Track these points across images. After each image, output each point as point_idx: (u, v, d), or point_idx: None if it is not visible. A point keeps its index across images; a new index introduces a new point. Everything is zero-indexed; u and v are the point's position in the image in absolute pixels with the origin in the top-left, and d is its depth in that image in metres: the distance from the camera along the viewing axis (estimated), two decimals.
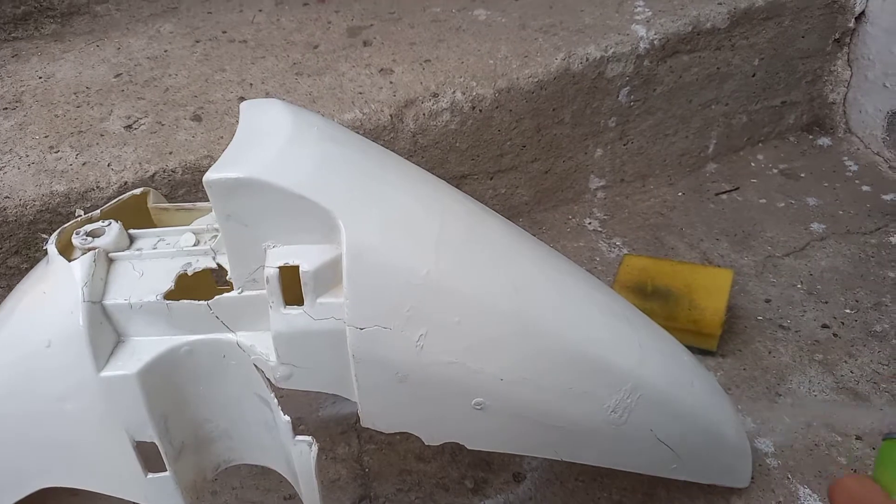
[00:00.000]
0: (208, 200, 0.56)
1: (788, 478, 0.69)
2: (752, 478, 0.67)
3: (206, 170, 0.77)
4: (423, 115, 0.86)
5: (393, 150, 0.59)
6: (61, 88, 0.87)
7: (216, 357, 0.49)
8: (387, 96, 0.86)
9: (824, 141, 1.14)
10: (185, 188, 0.77)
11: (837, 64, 1.11)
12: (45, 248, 0.49)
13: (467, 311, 0.48)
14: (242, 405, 0.52)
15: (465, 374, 0.48)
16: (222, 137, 0.80)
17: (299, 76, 0.90)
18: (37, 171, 0.74)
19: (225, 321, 0.48)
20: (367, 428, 0.64)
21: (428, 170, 0.57)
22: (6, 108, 0.84)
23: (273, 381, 0.49)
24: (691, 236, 0.98)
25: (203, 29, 1.00)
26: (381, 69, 0.90)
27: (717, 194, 1.05)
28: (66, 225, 0.50)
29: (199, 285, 0.52)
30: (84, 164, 0.75)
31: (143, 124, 0.81)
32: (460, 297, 0.48)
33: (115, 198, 0.55)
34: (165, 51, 0.95)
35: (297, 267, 0.44)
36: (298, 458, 0.50)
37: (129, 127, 0.81)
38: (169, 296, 0.47)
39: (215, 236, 0.50)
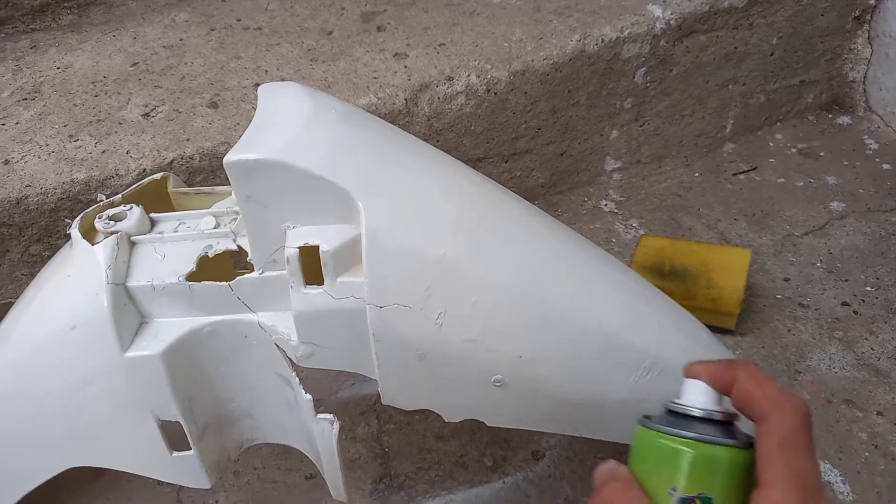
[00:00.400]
0: (226, 185, 0.57)
1: None
2: None
3: (224, 156, 0.78)
4: (438, 98, 0.86)
5: None
6: (79, 78, 0.88)
7: (238, 337, 0.50)
8: (401, 81, 0.86)
9: (844, 119, 1.13)
10: (203, 174, 0.78)
11: (857, 42, 1.09)
12: (68, 232, 0.50)
13: (485, 289, 0.48)
14: (264, 385, 0.52)
15: (484, 351, 0.49)
16: (239, 124, 0.80)
17: (314, 62, 0.90)
18: (57, 159, 0.75)
19: (246, 302, 0.48)
20: (387, 407, 0.65)
21: None
22: (26, 99, 0.85)
23: (294, 361, 0.50)
24: (709, 217, 0.97)
25: (217, 17, 1.01)
26: (396, 54, 0.90)
27: (734, 174, 1.04)
28: (88, 209, 0.51)
29: (219, 268, 0.53)
30: (103, 151, 0.76)
31: (161, 112, 0.82)
32: (478, 276, 0.48)
33: (133, 185, 0.56)
34: (181, 39, 0.96)
35: (317, 247, 0.45)
36: (321, 436, 0.51)
37: (146, 115, 0.82)
38: (191, 277, 0.47)
39: (235, 219, 0.50)
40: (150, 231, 0.50)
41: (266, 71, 0.89)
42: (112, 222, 0.49)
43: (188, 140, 0.78)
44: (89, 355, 0.47)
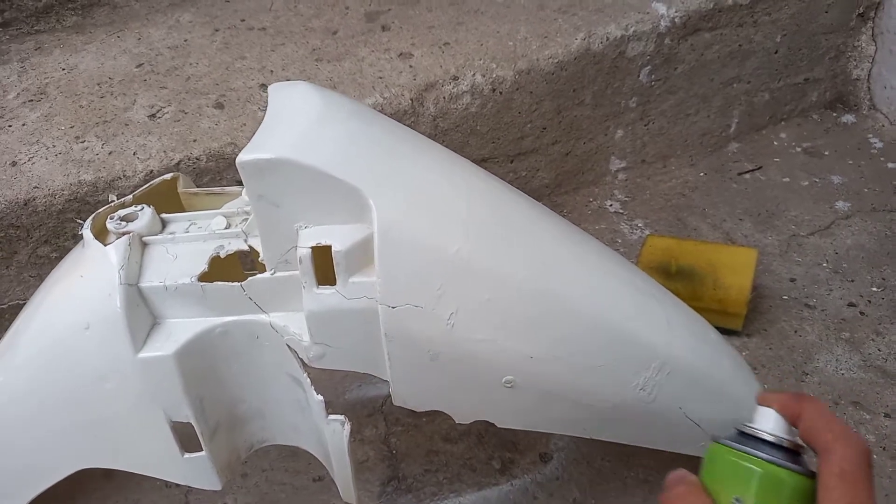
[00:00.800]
0: (235, 186, 0.57)
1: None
2: None
3: (230, 157, 0.79)
4: (444, 98, 0.86)
5: None
6: (84, 79, 0.88)
7: (250, 338, 0.50)
8: (407, 80, 0.86)
9: (848, 118, 1.13)
10: (210, 175, 0.78)
11: (862, 39, 1.09)
12: (80, 232, 0.50)
13: (497, 288, 0.48)
14: (275, 385, 0.52)
15: (496, 351, 0.49)
16: (245, 124, 0.80)
17: (319, 62, 0.90)
18: (64, 161, 0.75)
19: (258, 302, 0.48)
20: (394, 409, 0.65)
21: None
22: (31, 100, 0.85)
23: (306, 361, 0.49)
24: (714, 217, 0.97)
25: (222, 17, 1.01)
26: (401, 53, 0.90)
27: (739, 174, 1.04)
28: (99, 210, 0.50)
29: (229, 269, 0.53)
30: (110, 153, 0.76)
31: (167, 113, 0.82)
32: (490, 275, 0.48)
33: (141, 186, 0.56)
34: (185, 40, 0.96)
35: (329, 247, 0.45)
36: (331, 437, 0.51)
37: (152, 116, 0.82)
38: (203, 278, 0.47)
39: (246, 219, 0.50)
40: (161, 232, 0.50)
41: (271, 71, 0.89)
42: (124, 223, 0.49)
43: (195, 141, 0.78)
44: (102, 356, 0.47)
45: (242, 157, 0.43)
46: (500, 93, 0.89)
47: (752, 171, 1.05)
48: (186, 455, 0.51)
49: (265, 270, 0.48)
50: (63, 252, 0.74)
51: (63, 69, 0.90)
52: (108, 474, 0.69)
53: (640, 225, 0.97)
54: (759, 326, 0.81)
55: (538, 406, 0.53)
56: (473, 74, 0.87)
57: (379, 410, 0.75)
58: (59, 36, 0.98)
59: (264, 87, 0.86)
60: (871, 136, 1.09)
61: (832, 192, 1.00)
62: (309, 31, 0.96)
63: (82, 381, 0.48)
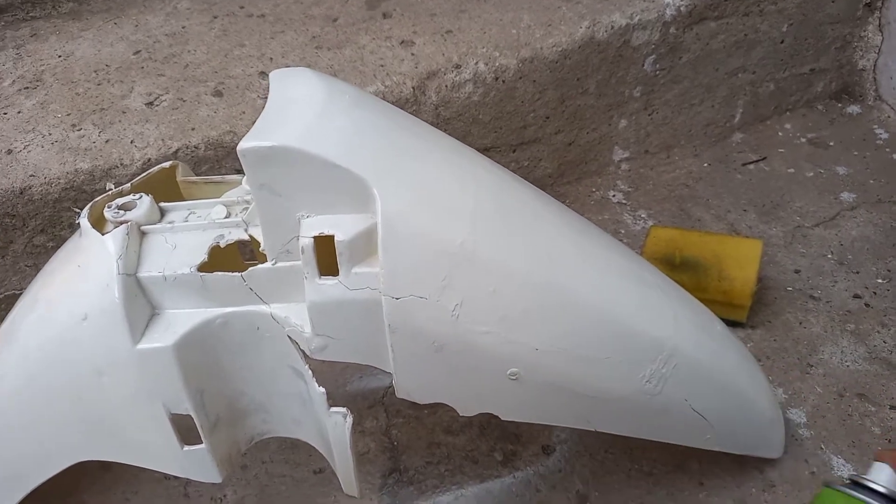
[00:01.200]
0: (235, 174, 0.56)
1: (822, 448, 0.68)
2: (785, 448, 0.67)
3: (229, 145, 0.77)
4: (446, 86, 0.85)
5: None
6: (81, 67, 0.87)
7: (250, 329, 0.49)
8: (409, 68, 0.85)
9: (854, 109, 1.12)
10: (209, 164, 0.77)
11: (868, 29, 1.08)
12: (77, 221, 0.49)
13: (502, 280, 0.47)
14: (277, 377, 0.51)
15: (501, 343, 0.48)
16: (244, 112, 0.79)
17: (319, 49, 0.88)
18: (60, 149, 0.74)
19: (259, 293, 0.48)
20: (395, 401, 0.64)
21: None
22: (27, 88, 0.83)
23: (308, 353, 0.49)
24: (718, 207, 0.96)
25: (220, 4, 0.99)
26: (402, 41, 0.89)
27: (743, 165, 1.03)
28: (97, 199, 0.50)
29: (229, 259, 0.52)
30: (107, 141, 0.75)
31: (165, 101, 0.81)
32: (495, 267, 0.47)
33: (139, 174, 0.55)
34: (183, 27, 0.94)
35: (332, 237, 0.44)
36: (333, 429, 0.50)
37: (150, 104, 0.80)
38: (202, 268, 0.47)
39: (246, 208, 0.49)
40: (160, 221, 0.49)
41: (271, 59, 0.87)
42: (122, 212, 0.48)
43: (193, 129, 0.77)
44: (100, 347, 0.46)
45: (244, 145, 0.42)
46: (503, 81, 0.88)
47: (757, 161, 1.04)
48: (186, 448, 0.50)
49: (266, 260, 0.47)
50: (60, 241, 0.73)
51: (59, 56, 0.89)
52: (106, 466, 0.68)
53: (643, 215, 0.96)
54: (763, 318, 0.80)
55: (543, 398, 0.52)
56: (476, 63, 0.86)
57: (380, 402, 0.75)
58: (55, 22, 0.97)
59: (264, 74, 0.84)
60: (876, 126, 1.08)
61: (837, 184, 0.99)
62: (309, 19, 0.95)
63: (80, 372, 0.47)
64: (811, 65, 1.08)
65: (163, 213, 0.50)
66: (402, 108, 0.83)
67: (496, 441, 0.71)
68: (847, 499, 0.46)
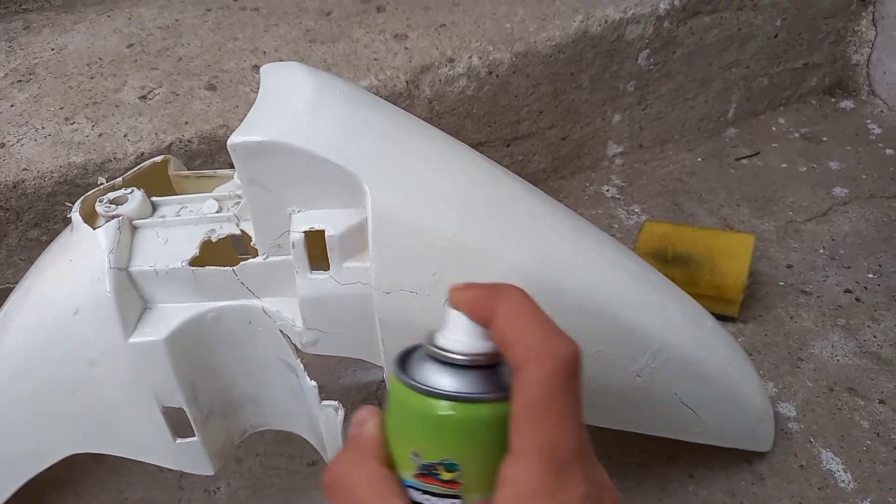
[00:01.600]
0: (227, 169, 0.56)
1: (811, 441, 0.69)
2: (775, 442, 0.67)
3: (222, 139, 0.77)
4: (440, 81, 0.85)
5: None
6: (74, 60, 0.87)
7: (242, 323, 0.49)
8: (402, 62, 0.85)
9: (847, 104, 1.12)
10: (202, 158, 0.77)
11: (862, 24, 1.08)
12: (68, 216, 0.49)
13: (493, 274, 0.47)
14: (268, 371, 0.52)
15: None
16: (238, 106, 0.79)
17: (313, 43, 0.88)
18: (53, 142, 0.74)
19: (250, 287, 0.48)
20: None
21: None
22: (20, 81, 0.83)
23: (299, 347, 0.49)
24: (711, 202, 0.97)
25: None
26: (396, 35, 0.89)
27: (737, 159, 1.04)
28: (88, 193, 0.50)
29: (221, 253, 0.52)
30: (100, 135, 0.75)
31: (158, 94, 0.81)
32: (486, 260, 0.47)
33: (132, 168, 0.55)
34: (177, 20, 0.94)
35: (323, 232, 0.44)
36: (325, 422, 0.50)
37: (143, 97, 0.80)
38: (194, 262, 0.47)
39: (238, 203, 0.49)
40: (151, 215, 0.49)
41: (264, 52, 0.87)
42: (113, 206, 0.48)
43: (186, 123, 0.77)
44: (92, 341, 0.46)
45: (234, 140, 0.42)
46: (497, 76, 0.88)
47: (750, 156, 1.04)
48: (178, 440, 0.51)
49: (257, 255, 0.48)
50: (53, 235, 0.73)
51: (52, 49, 0.89)
52: (99, 459, 0.68)
53: (637, 210, 0.96)
54: (755, 313, 0.81)
55: None
56: (470, 57, 0.86)
57: (373, 396, 0.75)
58: (47, 15, 0.96)
59: (257, 68, 0.84)
60: (869, 121, 1.08)
61: (830, 179, 0.99)
62: (302, 12, 0.95)
63: (73, 366, 0.48)
64: (805, 59, 1.08)
65: (154, 207, 0.50)
66: (395, 103, 0.83)
67: None
68: (409, 392, 0.31)
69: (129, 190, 0.49)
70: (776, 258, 0.88)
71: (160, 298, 0.48)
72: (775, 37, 1.03)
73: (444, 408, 0.30)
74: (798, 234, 0.91)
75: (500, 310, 0.31)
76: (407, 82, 0.83)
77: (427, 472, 0.30)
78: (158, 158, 0.55)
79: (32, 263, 0.57)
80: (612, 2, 0.91)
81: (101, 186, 0.51)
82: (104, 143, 0.74)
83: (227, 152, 0.43)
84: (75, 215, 0.48)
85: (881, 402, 0.72)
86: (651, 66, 0.97)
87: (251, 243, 0.48)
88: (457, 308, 0.33)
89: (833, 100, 1.13)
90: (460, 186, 0.48)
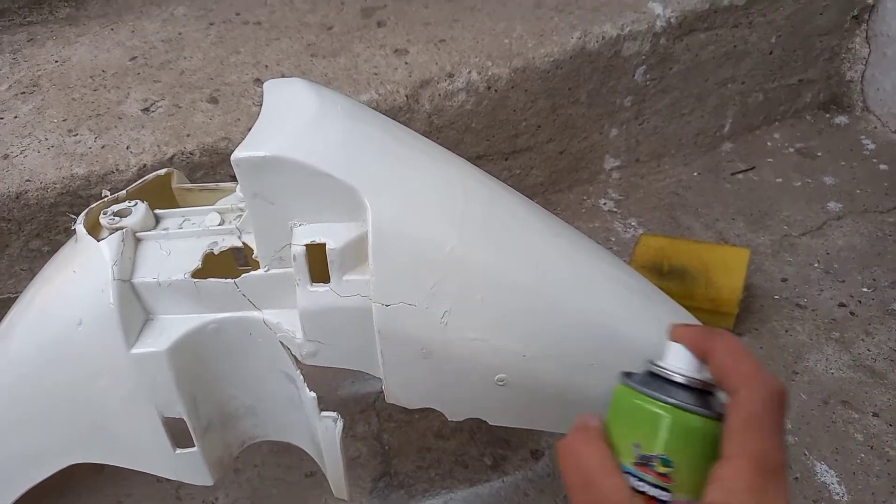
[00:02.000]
0: (227, 182, 0.57)
1: (805, 454, 0.69)
2: None
3: (224, 151, 0.78)
4: (439, 95, 0.86)
5: None
6: (77, 72, 0.88)
7: (243, 334, 0.50)
8: (402, 77, 0.86)
9: (841, 119, 1.13)
10: (204, 170, 0.78)
11: (855, 41, 1.10)
12: (73, 227, 0.49)
13: (490, 287, 0.48)
14: (268, 382, 0.52)
15: (489, 350, 0.49)
16: (239, 119, 0.80)
17: (314, 57, 0.90)
18: (56, 154, 0.75)
19: (252, 299, 0.48)
20: (387, 405, 0.64)
21: None
22: (24, 92, 0.84)
23: (299, 358, 0.50)
24: (707, 216, 0.98)
25: (216, 11, 1.00)
26: (396, 49, 0.90)
27: (732, 174, 1.05)
28: (93, 205, 0.50)
29: (222, 265, 0.53)
30: (103, 146, 0.76)
31: (160, 107, 0.82)
32: (483, 274, 0.48)
33: (134, 180, 0.56)
34: (180, 33, 0.95)
35: (324, 245, 0.45)
36: (324, 433, 0.51)
37: (146, 110, 0.81)
38: (196, 274, 0.47)
39: (240, 216, 0.50)
40: (154, 227, 0.50)
41: (266, 66, 0.88)
42: (117, 218, 0.49)
43: (188, 135, 0.77)
44: (95, 351, 0.47)
45: (238, 155, 0.43)
46: (496, 90, 0.89)
47: (746, 171, 1.05)
48: (178, 451, 0.51)
49: (259, 267, 0.48)
50: (55, 246, 0.74)
51: (56, 61, 0.90)
52: (99, 468, 0.69)
53: (633, 224, 0.97)
54: (750, 325, 0.82)
55: (530, 404, 0.53)
56: (469, 72, 0.87)
57: (371, 407, 0.75)
58: (51, 27, 0.98)
59: (259, 81, 0.85)
60: (863, 137, 1.10)
61: (824, 193, 1.00)
62: (304, 26, 0.96)
63: (75, 376, 0.48)
64: (800, 76, 1.10)
65: (158, 219, 0.51)
66: (395, 117, 0.84)
67: (486, 446, 0.72)
68: (639, 396, 0.38)
69: (132, 202, 0.50)
70: (771, 272, 0.89)
71: (162, 310, 0.49)
72: (770, 53, 1.04)
73: (668, 410, 0.37)
74: (793, 248, 0.92)
75: (719, 345, 0.37)
76: (407, 96, 0.85)
77: (645, 461, 0.36)
78: (162, 171, 0.56)
79: (34, 274, 0.57)
80: (610, 19, 0.92)
81: (105, 199, 0.51)
82: (107, 154, 0.75)
83: (229, 164, 0.44)
84: (80, 227, 0.49)
85: (875, 415, 0.72)
86: (648, 82, 0.98)
87: (253, 256, 0.48)
88: (677, 342, 0.40)
89: (827, 115, 1.15)
90: (459, 200, 0.49)
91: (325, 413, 0.50)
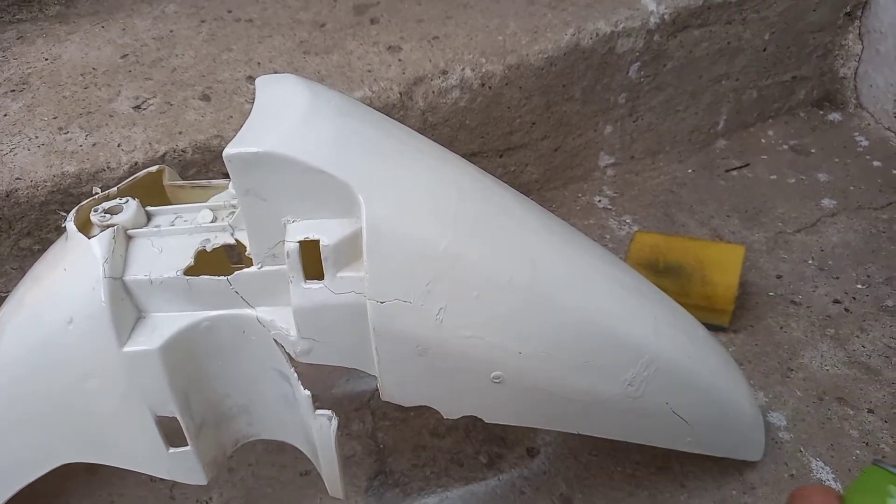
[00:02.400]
0: (222, 179, 0.56)
1: (801, 451, 0.69)
2: (765, 451, 0.68)
3: (217, 149, 0.78)
4: (433, 92, 0.86)
5: None
6: (68, 70, 0.87)
7: (236, 332, 0.49)
8: (396, 74, 0.85)
9: (835, 116, 1.14)
10: (196, 168, 0.77)
11: (848, 38, 1.10)
12: (63, 225, 0.49)
13: (485, 284, 0.48)
14: (262, 380, 0.52)
15: (484, 347, 0.48)
16: (232, 117, 0.79)
17: (307, 55, 0.89)
18: (47, 152, 0.74)
19: (245, 296, 0.48)
20: (382, 404, 0.64)
21: None
22: (14, 91, 0.83)
23: (293, 356, 0.49)
24: (702, 213, 0.98)
25: (208, 8, 1.00)
26: (389, 47, 0.90)
27: (727, 171, 1.05)
28: (83, 202, 0.50)
29: (215, 263, 0.52)
30: (94, 144, 0.75)
31: (152, 105, 0.81)
32: (478, 271, 0.48)
33: (126, 178, 0.55)
34: (171, 31, 0.95)
35: (317, 241, 0.44)
36: (318, 432, 0.51)
37: (137, 107, 0.81)
38: (188, 272, 0.47)
39: (232, 213, 0.50)
40: (146, 224, 0.50)
41: (258, 63, 0.88)
42: (108, 215, 0.48)
43: (180, 133, 0.77)
44: (86, 350, 0.46)
45: (229, 151, 0.42)
46: (490, 87, 0.88)
47: (740, 168, 1.05)
48: (171, 450, 0.51)
49: (252, 264, 0.48)
50: (45, 244, 0.73)
51: (46, 59, 0.89)
52: (91, 469, 0.68)
53: (628, 221, 0.97)
54: (745, 323, 0.82)
55: (526, 401, 0.53)
56: (463, 69, 0.87)
57: (366, 405, 0.75)
58: (41, 25, 0.97)
59: (251, 79, 0.85)
60: (857, 134, 1.10)
61: (818, 190, 1.00)
62: (297, 24, 0.95)
63: (66, 375, 0.48)
64: (793, 73, 1.10)
65: (149, 217, 0.50)
66: (389, 114, 0.84)
67: (481, 444, 0.72)
68: (892, 478, 0.39)
69: (123, 199, 0.50)
70: (766, 269, 0.89)
71: (154, 307, 0.48)
72: (764, 50, 1.04)
73: None
74: (787, 245, 0.92)
75: None
76: (400, 94, 0.84)
77: None
78: (153, 168, 0.55)
79: (24, 272, 0.57)
80: (603, 15, 0.92)
81: (96, 196, 0.51)
82: (98, 152, 0.74)
83: (221, 162, 0.43)
84: (70, 224, 0.48)
85: (870, 411, 0.72)
86: (642, 79, 0.98)
87: (245, 253, 0.48)
88: None
89: (821, 112, 1.15)
90: (454, 198, 0.49)
91: (319, 411, 0.50)
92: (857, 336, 0.80)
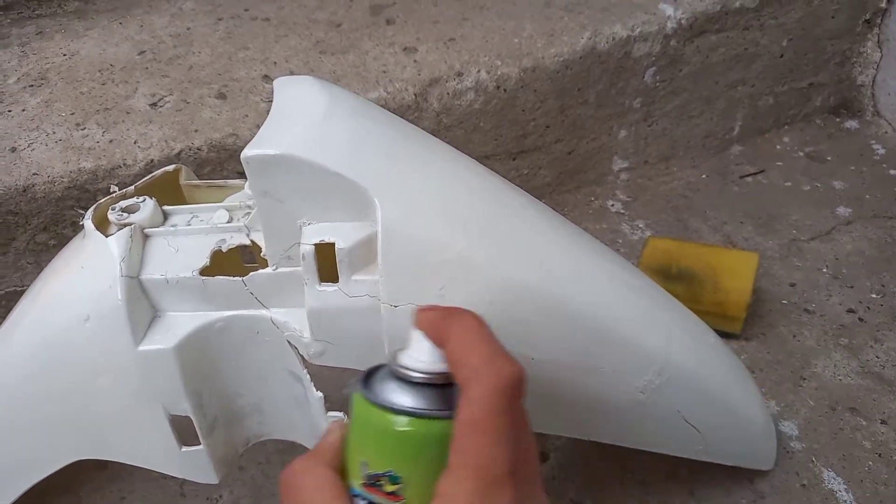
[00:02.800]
0: (234, 178, 0.56)
1: (812, 461, 0.69)
2: (776, 461, 0.67)
3: (232, 148, 0.78)
4: (448, 94, 0.86)
5: None
6: (86, 66, 0.88)
7: (250, 333, 0.49)
8: (411, 75, 0.85)
9: (851, 124, 1.13)
10: (211, 166, 0.77)
11: (867, 45, 1.09)
12: (81, 223, 0.49)
13: (499, 289, 0.48)
14: (274, 381, 0.52)
15: None
16: (247, 115, 0.80)
17: (323, 55, 0.89)
18: (64, 147, 0.75)
19: (259, 297, 0.48)
20: None
21: None
22: (32, 86, 0.84)
23: (306, 358, 0.49)
24: (715, 219, 0.97)
25: (225, 6, 1.00)
26: (405, 48, 0.90)
27: (741, 177, 1.04)
28: (101, 200, 0.50)
29: (229, 263, 0.52)
30: (111, 141, 0.76)
31: (168, 102, 0.81)
32: (492, 276, 0.48)
33: (141, 175, 0.56)
34: (188, 28, 0.95)
35: (333, 244, 0.45)
36: None
37: (154, 105, 0.81)
38: (204, 272, 0.47)
39: (248, 213, 0.50)
40: (162, 224, 0.50)
41: (274, 63, 0.88)
42: (125, 214, 0.48)
43: (196, 131, 0.77)
44: (102, 348, 0.47)
45: (247, 153, 0.43)
46: (505, 90, 0.88)
47: (755, 174, 1.04)
48: (184, 448, 0.51)
49: (267, 265, 0.48)
50: (62, 240, 0.74)
51: (64, 55, 0.90)
52: (102, 465, 0.69)
53: (641, 226, 0.97)
54: (758, 330, 0.81)
55: (538, 407, 0.53)
56: (478, 71, 0.87)
57: None
58: (60, 21, 0.97)
59: (267, 78, 0.85)
60: (873, 142, 1.09)
61: (833, 198, 1.00)
62: (313, 23, 0.95)
63: (81, 372, 0.48)
64: (810, 79, 1.09)
65: (166, 216, 0.51)
66: (403, 115, 0.84)
67: None
68: (365, 405, 0.33)
69: (141, 198, 0.50)
70: (779, 276, 0.88)
71: (170, 307, 0.48)
72: (781, 57, 1.04)
73: (391, 421, 0.32)
74: (801, 253, 0.91)
75: (453, 332, 0.32)
76: (415, 95, 0.84)
77: (372, 482, 0.32)
78: (170, 167, 0.55)
79: (40, 268, 0.57)
80: (620, 19, 0.92)
81: (114, 194, 0.51)
82: (114, 149, 0.75)
83: (236, 160, 0.44)
84: (88, 222, 0.49)
85: (883, 422, 0.72)
86: (657, 84, 0.97)
87: (261, 254, 0.48)
88: (418, 329, 0.35)
89: (838, 120, 1.14)
90: (468, 202, 0.49)
91: (331, 413, 0.50)
92: (871, 346, 0.79)
